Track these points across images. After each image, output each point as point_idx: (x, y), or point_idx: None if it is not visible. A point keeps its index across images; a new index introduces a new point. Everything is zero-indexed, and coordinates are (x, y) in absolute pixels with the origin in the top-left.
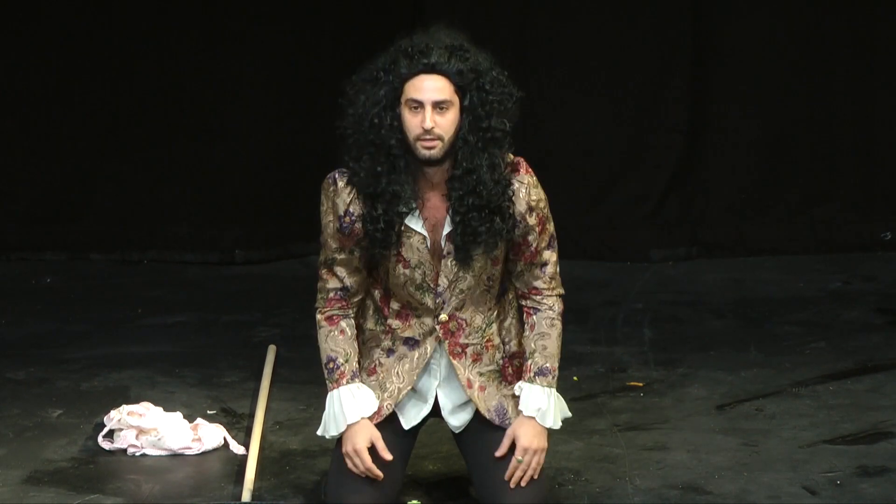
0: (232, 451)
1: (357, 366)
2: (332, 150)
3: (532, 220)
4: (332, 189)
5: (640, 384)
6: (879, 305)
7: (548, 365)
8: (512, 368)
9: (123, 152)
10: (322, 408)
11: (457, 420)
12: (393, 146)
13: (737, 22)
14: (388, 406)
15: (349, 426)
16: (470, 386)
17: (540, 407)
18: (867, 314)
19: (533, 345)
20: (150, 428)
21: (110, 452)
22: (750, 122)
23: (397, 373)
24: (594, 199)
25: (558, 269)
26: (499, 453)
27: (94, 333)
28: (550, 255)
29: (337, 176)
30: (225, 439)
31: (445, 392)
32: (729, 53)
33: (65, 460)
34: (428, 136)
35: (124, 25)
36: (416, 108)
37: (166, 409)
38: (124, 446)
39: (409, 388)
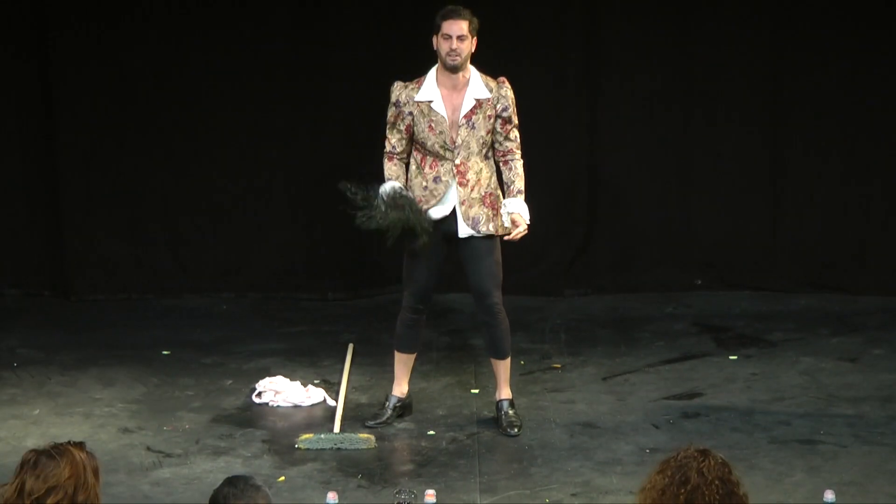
0: (328, 404)
1: (403, 180)
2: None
3: (509, 111)
4: (396, 88)
5: (559, 366)
6: (694, 321)
7: (521, 187)
8: (489, 199)
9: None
10: (378, 378)
11: (463, 232)
12: None
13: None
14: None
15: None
16: (463, 204)
17: (522, 210)
18: (687, 327)
19: (510, 177)
20: (281, 390)
21: (259, 405)
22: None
23: (426, 195)
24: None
25: (520, 142)
26: (510, 230)
27: (250, 339)
28: (516, 134)
29: (398, 83)
30: (324, 397)
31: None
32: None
33: (234, 409)
34: (453, 52)
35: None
36: (447, 37)
37: (291, 380)
38: (267, 401)
39: (436, 201)
